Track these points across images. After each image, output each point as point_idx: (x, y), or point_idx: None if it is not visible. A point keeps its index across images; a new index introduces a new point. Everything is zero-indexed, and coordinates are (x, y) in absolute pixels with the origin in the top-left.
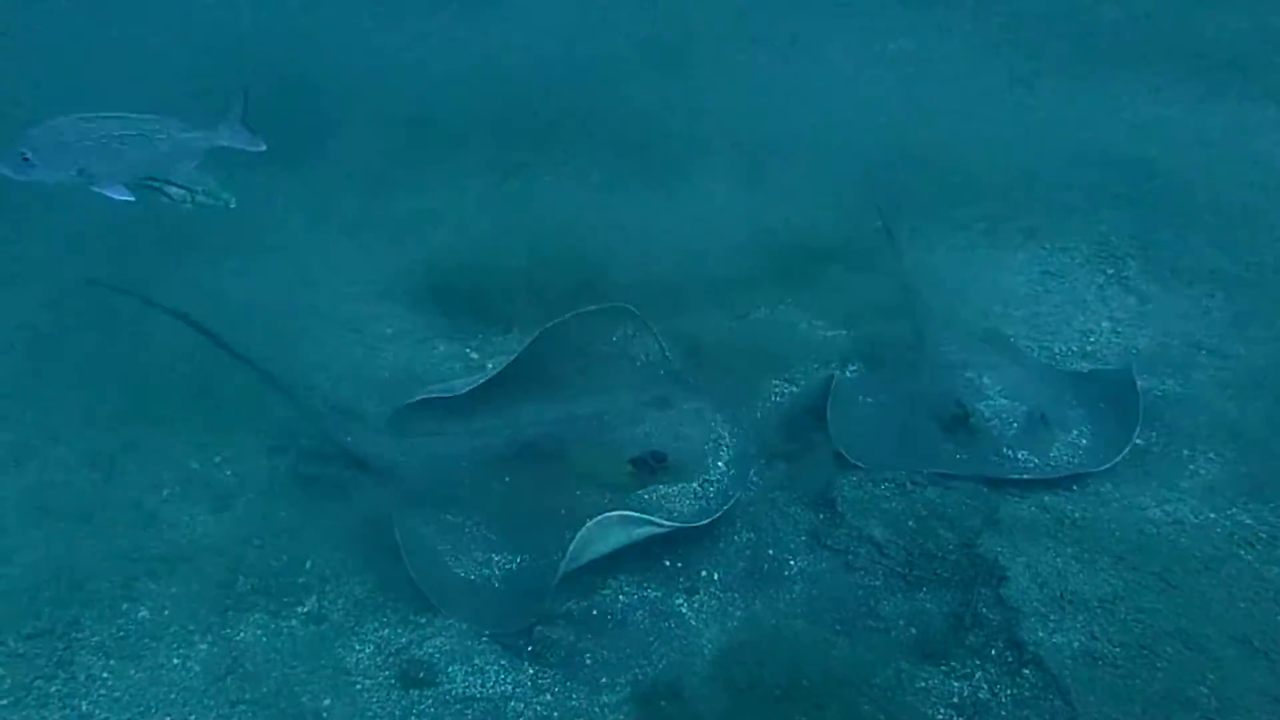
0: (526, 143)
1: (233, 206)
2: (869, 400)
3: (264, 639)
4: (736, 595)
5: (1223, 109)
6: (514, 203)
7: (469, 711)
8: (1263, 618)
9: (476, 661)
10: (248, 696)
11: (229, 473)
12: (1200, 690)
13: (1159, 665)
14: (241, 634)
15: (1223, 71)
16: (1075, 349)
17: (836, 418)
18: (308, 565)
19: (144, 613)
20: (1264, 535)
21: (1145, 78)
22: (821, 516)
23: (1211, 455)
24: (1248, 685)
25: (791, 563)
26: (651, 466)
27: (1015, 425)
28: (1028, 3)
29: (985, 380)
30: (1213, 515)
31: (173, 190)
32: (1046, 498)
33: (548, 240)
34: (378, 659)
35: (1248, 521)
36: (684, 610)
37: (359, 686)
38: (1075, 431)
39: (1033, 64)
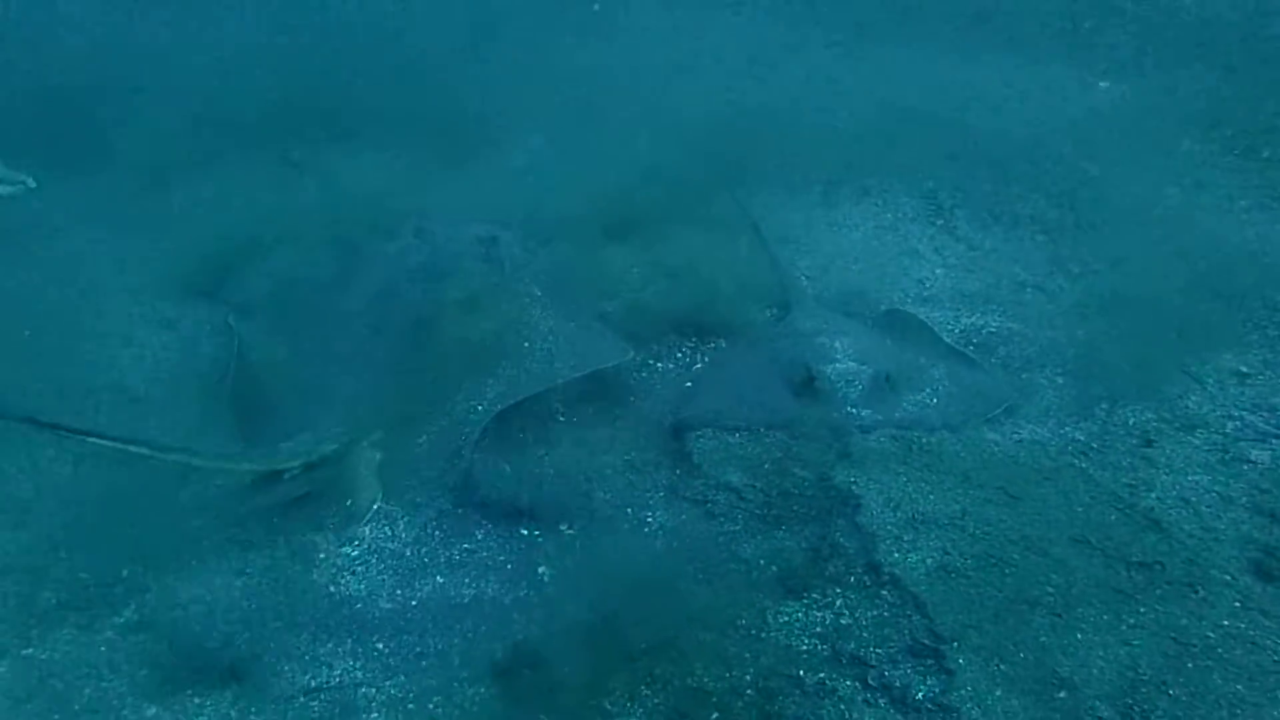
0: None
1: (32, 185)
2: (723, 371)
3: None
4: (596, 556)
5: (1033, 72)
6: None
7: (314, 703)
8: (1097, 519)
9: (321, 652)
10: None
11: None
12: (1046, 590)
13: (1007, 572)
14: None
15: (1033, 37)
16: (913, 295)
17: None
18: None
19: None
20: (1094, 446)
21: (958, 44)
22: (678, 471)
23: (1043, 381)
24: (1088, 581)
25: (650, 518)
26: None
27: (860, 386)
28: None
29: (835, 345)
30: (1047, 434)
31: None
32: (895, 430)
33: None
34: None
35: (1079, 437)
36: (544, 576)
37: (189, 691)
38: (927, 391)
39: (850, 33)
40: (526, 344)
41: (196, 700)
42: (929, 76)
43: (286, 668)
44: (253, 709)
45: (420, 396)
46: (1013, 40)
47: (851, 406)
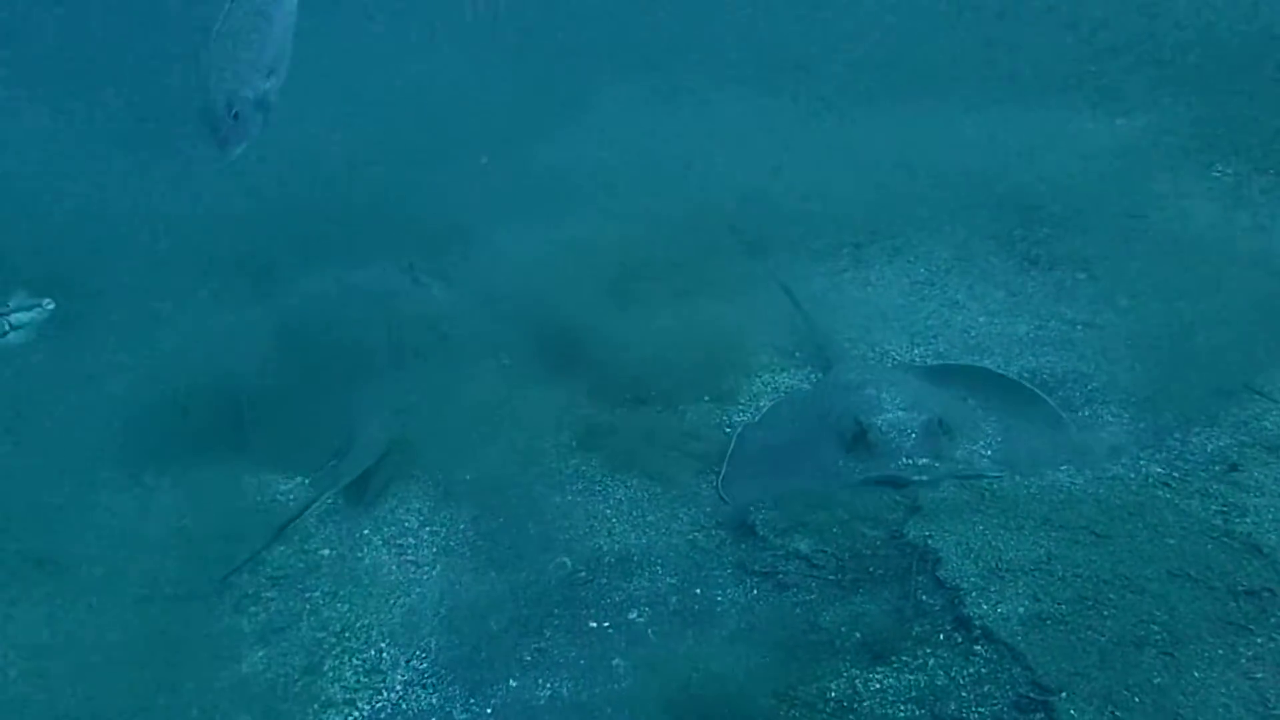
0: None
1: (51, 307)
2: (771, 435)
3: None
4: (670, 641)
5: (1047, 117)
6: None
7: None
8: (1193, 550)
9: None
10: None
11: None
12: (1151, 629)
13: (1106, 613)
14: None
15: (1040, 86)
16: (959, 345)
17: (733, 458)
18: None
19: None
20: (1176, 477)
21: (967, 101)
22: (744, 545)
23: (1108, 418)
24: (1195, 615)
25: (720, 596)
26: None
27: (914, 435)
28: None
29: (883, 396)
30: (1123, 470)
31: None
32: (960, 479)
33: None
34: None
35: (1158, 469)
36: (620, 669)
37: None
38: (983, 438)
39: (859, 100)
40: None
41: None
42: (943, 134)
43: None
44: None
45: None
46: (1021, 91)
47: (906, 457)
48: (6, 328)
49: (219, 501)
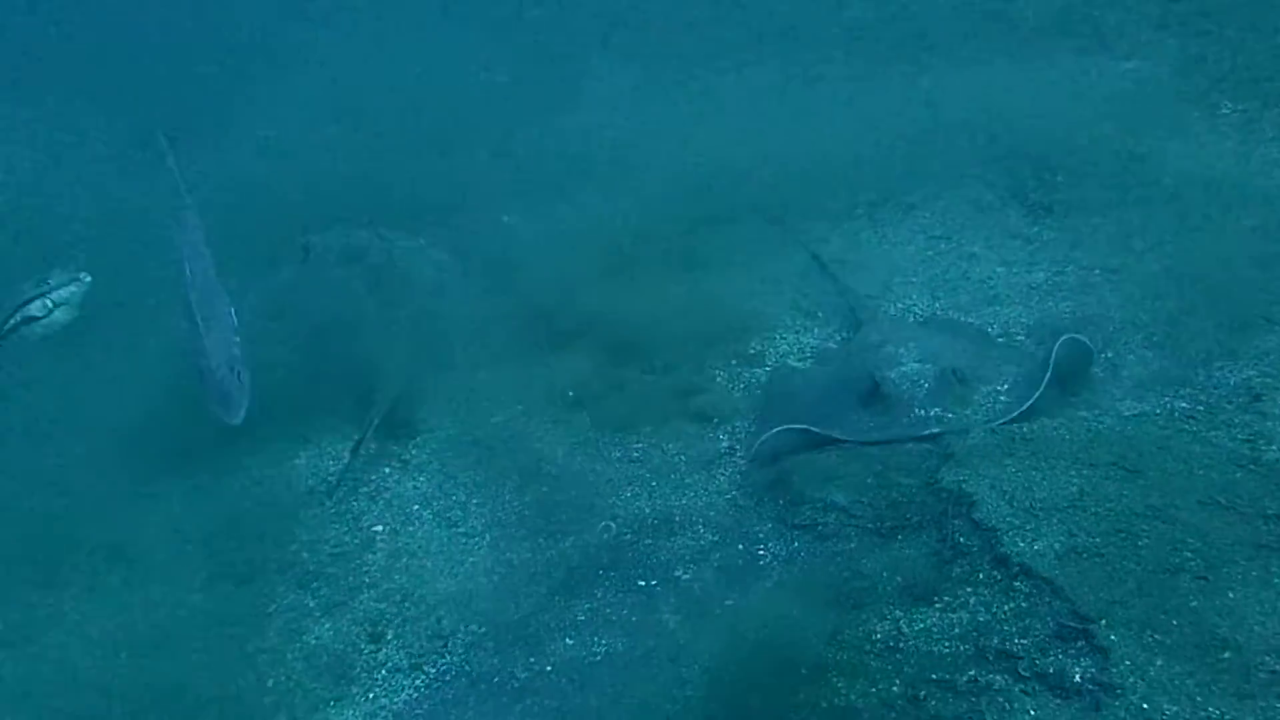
0: None
1: (88, 280)
2: (798, 395)
3: None
4: (717, 595)
5: (1052, 66)
6: None
7: None
8: (1223, 479)
9: None
10: None
11: None
12: (1185, 556)
13: (1141, 544)
14: None
15: (1043, 35)
16: (979, 296)
17: (762, 418)
18: None
19: None
20: (1201, 410)
21: (971, 55)
22: (781, 501)
23: (1131, 358)
24: (1228, 540)
25: (761, 550)
26: None
27: (926, 385)
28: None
29: (901, 351)
30: (1150, 406)
31: (33, 309)
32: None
33: None
34: None
35: (1183, 404)
36: (670, 622)
37: None
38: (998, 384)
39: (863, 64)
40: None
41: None
42: (950, 90)
43: None
44: None
45: None
46: (1025, 42)
47: (920, 408)
48: (50, 306)
49: (272, 483)
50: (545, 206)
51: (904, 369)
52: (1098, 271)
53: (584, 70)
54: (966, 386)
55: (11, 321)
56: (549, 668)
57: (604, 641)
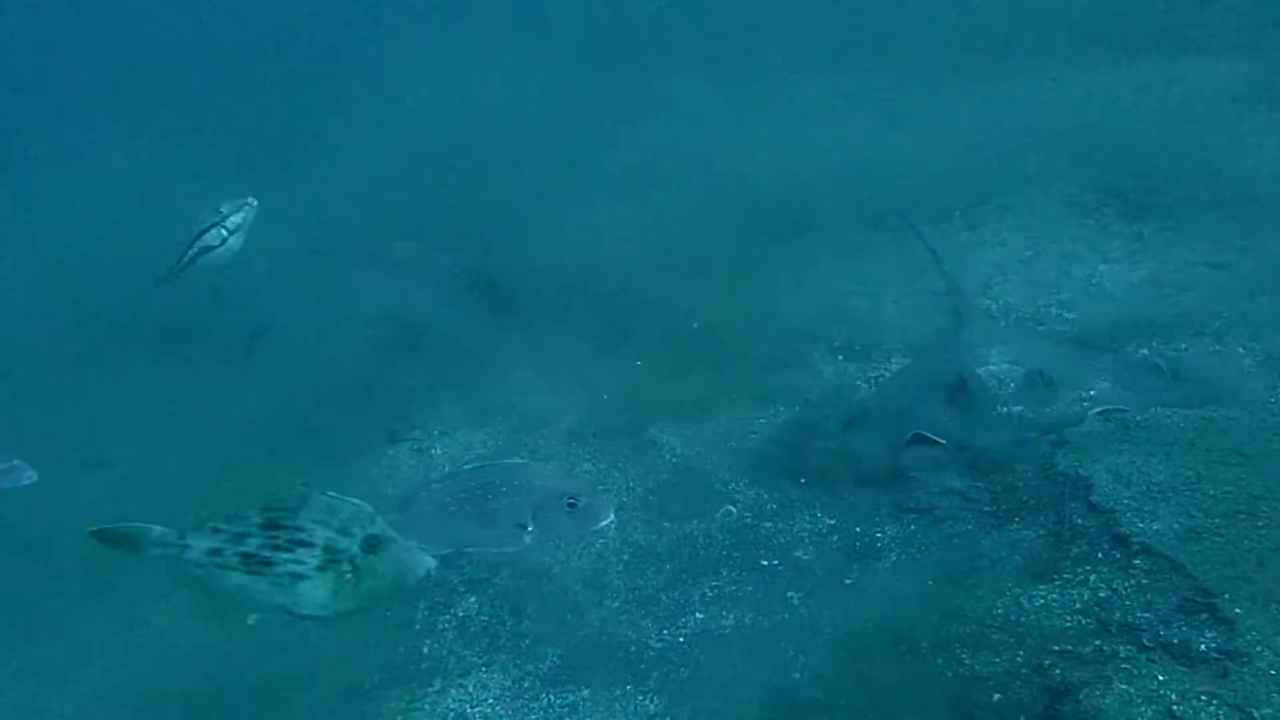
0: None
1: (255, 204)
2: (899, 390)
3: None
4: (838, 574)
5: (1144, 68)
6: None
7: None
8: None
9: (618, 694)
10: None
11: None
12: None
13: (1260, 523)
14: None
15: (1133, 40)
16: (1082, 294)
17: (867, 411)
18: None
19: None
20: None
21: (1062, 61)
22: (897, 487)
23: (1240, 350)
24: None
25: (879, 533)
26: None
27: (1013, 385)
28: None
29: (992, 351)
30: (1263, 395)
31: (209, 238)
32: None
33: None
34: None
35: None
36: (794, 600)
37: None
38: (1089, 387)
39: (946, 73)
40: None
41: None
42: (1039, 95)
43: None
44: None
45: None
46: (1116, 46)
47: (1005, 406)
48: (225, 234)
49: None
50: (664, 206)
51: (992, 368)
52: (1201, 268)
53: (674, 85)
54: (1053, 388)
55: (190, 253)
56: (681, 639)
57: (732, 615)
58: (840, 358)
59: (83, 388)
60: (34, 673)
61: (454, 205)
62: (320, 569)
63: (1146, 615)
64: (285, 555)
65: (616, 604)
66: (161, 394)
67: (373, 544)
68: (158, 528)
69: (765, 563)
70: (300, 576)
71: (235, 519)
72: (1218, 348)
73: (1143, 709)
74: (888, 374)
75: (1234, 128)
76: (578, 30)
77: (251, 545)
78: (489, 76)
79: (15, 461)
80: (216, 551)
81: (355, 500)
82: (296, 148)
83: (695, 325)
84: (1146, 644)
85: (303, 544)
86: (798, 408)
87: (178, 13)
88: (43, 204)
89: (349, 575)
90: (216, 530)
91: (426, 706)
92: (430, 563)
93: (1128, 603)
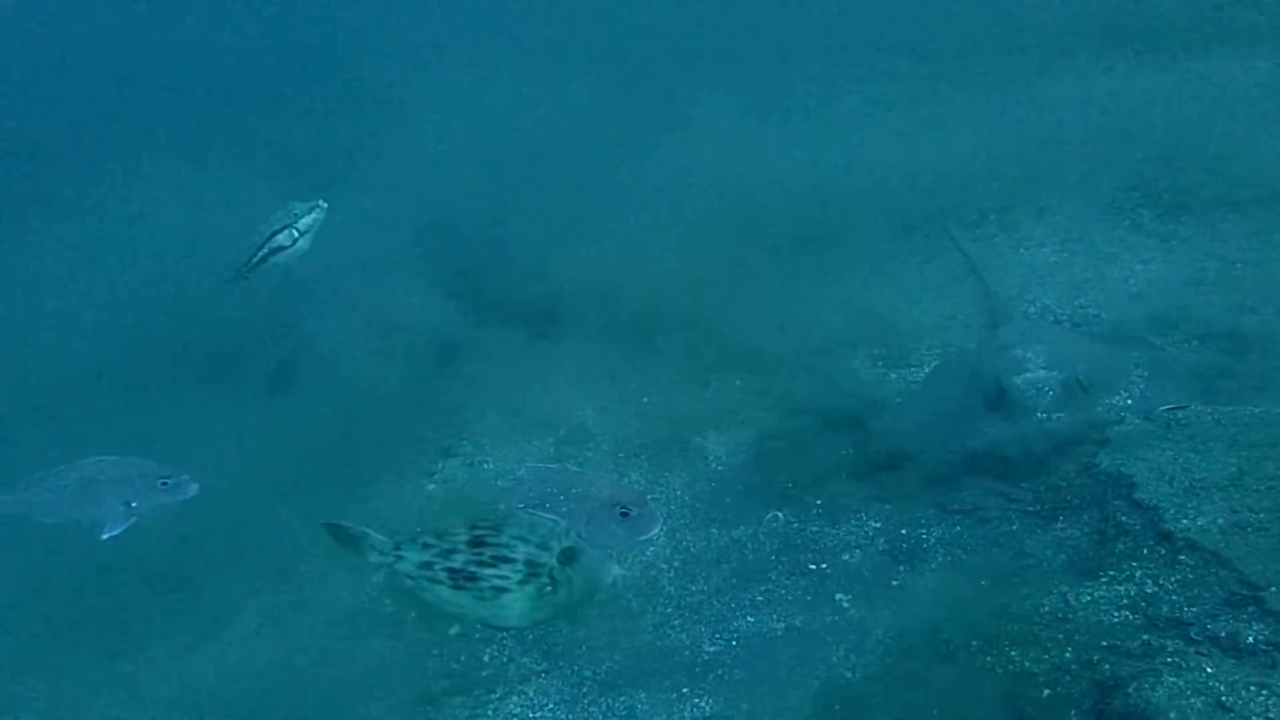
0: None
1: (325, 205)
2: (936, 395)
3: None
4: (885, 576)
5: (1179, 66)
6: None
7: None
8: None
9: (672, 696)
10: None
11: None
12: None
13: None
14: None
15: (1166, 38)
16: (1120, 294)
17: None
18: None
19: None
20: None
21: (1093, 61)
22: (940, 489)
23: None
24: None
25: (924, 534)
26: None
27: (1051, 393)
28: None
29: (1028, 355)
30: None
31: (280, 239)
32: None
33: None
34: None
35: None
36: (843, 601)
37: None
38: (1126, 392)
39: (974, 78)
40: None
41: None
42: (1072, 97)
43: None
44: None
45: None
46: (1149, 46)
47: (1044, 413)
48: (296, 235)
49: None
50: (698, 218)
51: (1030, 375)
52: (1239, 266)
53: (705, 98)
54: (1090, 394)
55: (261, 253)
56: (734, 642)
57: (782, 618)
58: (879, 364)
59: (144, 411)
60: (118, 686)
61: (491, 221)
62: (522, 583)
63: (1194, 609)
64: (490, 571)
65: (669, 610)
66: (220, 416)
67: (569, 556)
68: (378, 535)
69: (813, 566)
70: (503, 590)
71: (445, 535)
72: (1256, 345)
73: (1192, 701)
74: (923, 377)
75: (1268, 125)
76: (608, 49)
77: (458, 561)
78: (526, 98)
79: (183, 476)
80: (427, 565)
81: (551, 516)
82: (336, 171)
83: (733, 335)
84: (1194, 637)
85: (505, 560)
86: (838, 414)
87: (220, 44)
88: (99, 238)
89: (548, 588)
90: (427, 545)
91: (490, 712)
92: (617, 570)
93: (1174, 598)
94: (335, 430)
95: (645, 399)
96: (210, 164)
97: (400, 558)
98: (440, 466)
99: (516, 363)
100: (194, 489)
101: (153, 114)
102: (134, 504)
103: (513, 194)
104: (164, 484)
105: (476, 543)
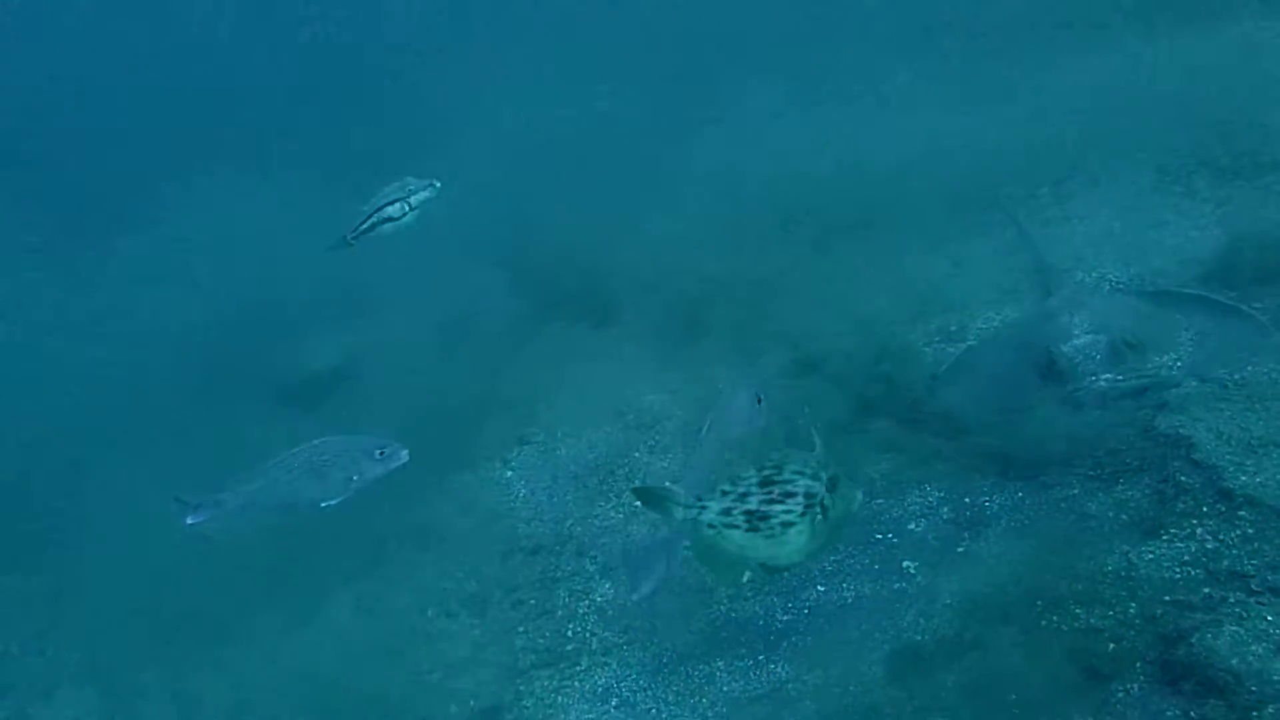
0: None
1: (439, 185)
2: (986, 366)
3: None
4: (951, 543)
5: (1229, 33)
6: None
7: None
8: None
9: (744, 665)
10: None
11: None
12: None
13: None
14: None
15: (1208, 5)
16: (1174, 260)
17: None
18: None
19: None
20: None
21: (1136, 31)
22: (999, 458)
23: None
24: None
25: (987, 502)
26: None
27: (1099, 356)
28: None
29: (1075, 321)
30: None
31: (392, 210)
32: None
33: None
34: None
35: None
36: (911, 568)
37: None
38: (1175, 351)
39: (1017, 55)
40: None
41: None
42: (1123, 66)
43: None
44: None
45: None
46: (1198, 13)
47: (1094, 376)
48: (407, 209)
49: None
50: (751, 204)
51: (1078, 342)
52: None
53: (753, 85)
54: (1138, 353)
55: (371, 220)
56: (806, 610)
57: (852, 587)
58: (937, 339)
59: (219, 426)
60: (228, 670)
61: (546, 218)
62: (802, 514)
63: (1254, 562)
64: (779, 507)
65: (742, 582)
66: (300, 420)
67: (834, 483)
68: (681, 491)
69: (879, 536)
70: (789, 525)
71: (739, 480)
72: None
73: (1253, 647)
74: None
75: None
76: (656, 40)
77: (753, 502)
78: (580, 97)
79: (394, 445)
80: (726, 511)
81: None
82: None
83: (786, 318)
84: (1255, 589)
85: (790, 495)
86: (899, 391)
87: (276, 53)
88: (170, 257)
89: (819, 517)
90: (725, 493)
91: (577, 684)
92: (861, 495)
93: (1234, 552)
94: (413, 426)
95: (707, 383)
96: (272, 172)
97: (704, 509)
98: (516, 454)
99: (581, 353)
100: (405, 455)
101: (214, 127)
102: (354, 478)
103: (567, 191)
104: (380, 454)
105: (766, 482)
